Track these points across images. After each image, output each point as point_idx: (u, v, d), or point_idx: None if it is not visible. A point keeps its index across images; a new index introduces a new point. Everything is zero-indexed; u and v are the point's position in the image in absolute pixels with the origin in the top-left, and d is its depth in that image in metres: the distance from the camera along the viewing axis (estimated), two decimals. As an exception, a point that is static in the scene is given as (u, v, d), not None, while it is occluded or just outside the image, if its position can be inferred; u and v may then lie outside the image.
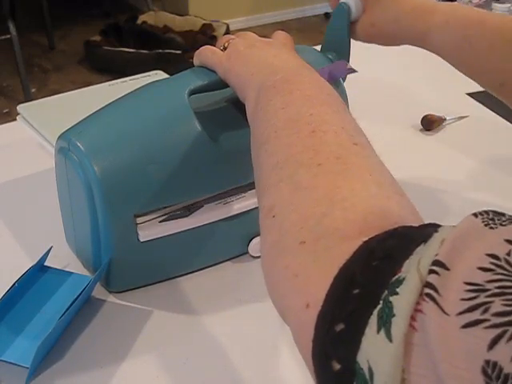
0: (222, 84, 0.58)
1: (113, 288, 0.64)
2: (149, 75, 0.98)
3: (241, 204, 0.65)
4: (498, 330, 0.24)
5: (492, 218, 0.30)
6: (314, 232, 0.35)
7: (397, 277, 0.29)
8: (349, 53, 0.72)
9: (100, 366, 0.56)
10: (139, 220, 0.60)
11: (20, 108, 0.94)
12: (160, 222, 0.61)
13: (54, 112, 0.90)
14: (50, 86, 3.00)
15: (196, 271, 0.67)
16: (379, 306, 0.28)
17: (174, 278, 0.66)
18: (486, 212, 0.30)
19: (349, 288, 0.30)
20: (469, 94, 1.04)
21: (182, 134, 0.60)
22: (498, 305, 0.25)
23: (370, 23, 0.70)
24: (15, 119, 0.93)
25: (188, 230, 0.62)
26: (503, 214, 0.30)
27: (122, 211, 0.59)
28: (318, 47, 0.75)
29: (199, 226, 0.63)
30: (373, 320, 0.28)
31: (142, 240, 0.61)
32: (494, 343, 0.24)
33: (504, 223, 0.29)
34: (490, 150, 0.92)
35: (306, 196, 0.37)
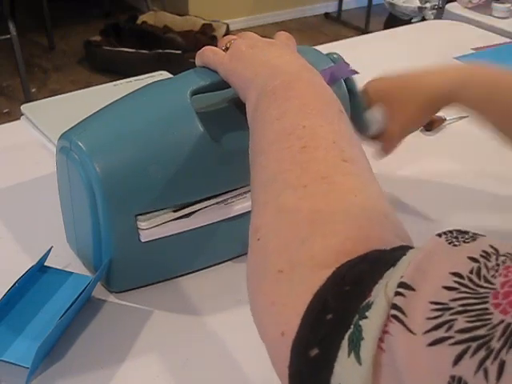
0: (224, 84, 0.58)
1: (113, 288, 0.64)
2: (153, 75, 0.98)
3: (241, 205, 0.65)
4: (463, 346, 0.25)
5: (456, 237, 0.30)
6: (293, 260, 0.35)
7: (366, 301, 0.29)
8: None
9: (100, 366, 0.56)
10: (140, 219, 0.60)
11: (24, 108, 0.94)
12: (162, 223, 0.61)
13: (58, 112, 0.90)
14: (50, 85, 3.01)
15: (196, 271, 0.67)
16: (350, 331, 0.29)
17: (174, 278, 0.66)
18: (450, 231, 0.31)
19: (322, 314, 0.31)
20: (469, 94, 1.03)
21: (184, 134, 0.60)
22: (461, 322, 0.26)
23: (401, 123, 0.72)
24: (15, 119, 0.93)
25: (189, 230, 0.62)
26: (467, 232, 0.31)
27: (123, 211, 0.59)
28: (319, 47, 0.75)
29: (200, 227, 0.63)
30: (344, 344, 0.29)
31: (143, 240, 0.60)
32: (458, 359, 0.25)
33: (467, 240, 0.30)
34: (490, 150, 0.92)
35: (288, 220, 0.38)
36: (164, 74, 1.01)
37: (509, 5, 1.75)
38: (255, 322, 0.38)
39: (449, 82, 0.68)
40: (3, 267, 0.67)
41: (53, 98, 1.00)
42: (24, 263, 0.62)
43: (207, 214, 0.63)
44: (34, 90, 2.90)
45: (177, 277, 0.66)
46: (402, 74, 0.73)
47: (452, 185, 0.84)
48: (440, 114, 0.96)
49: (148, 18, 3.32)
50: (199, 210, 0.63)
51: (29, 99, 2.78)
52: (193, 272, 0.66)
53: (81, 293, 0.58)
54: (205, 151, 0.61)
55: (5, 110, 2.76)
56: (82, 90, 1.01)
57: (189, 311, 0.62)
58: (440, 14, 2.49)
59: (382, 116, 0.72)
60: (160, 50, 2.96)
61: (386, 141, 0.73)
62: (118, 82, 0.99)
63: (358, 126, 0.71)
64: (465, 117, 0.98)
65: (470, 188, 0.83)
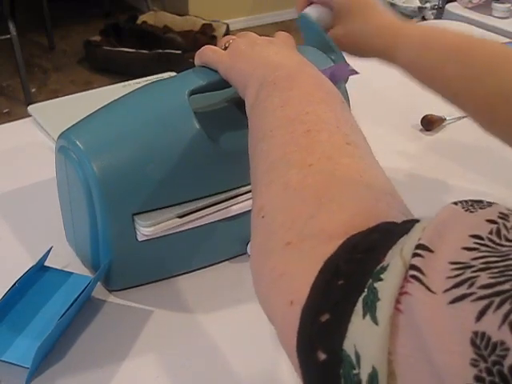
0: (223, 84, 0.58)
1: (112, 286, 0.64)
2: (163, 76, 0.99)
3: (240, 205, 0.65)
4: (485, 302, 0.25)
5: (472, 205, 0.30)
6: (300, 233, 0.35)
7: (381, 265, 0.29)
8: (337, 51, 0.72)
9: (100, 366, 0.56)
10: (144, 225, 0.60)
11: (30, 109, 0.95)
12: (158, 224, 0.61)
13: (65, 113, 0.91)
14: (50, 85, 3.01)
15: (195, 271, 0.67)
16: (364, 294, 0.28)
17: (173, 277, 0.66)
18: (465, 201, 0.31)
19: (333, 280, 0.30)
20: (469, 94, 1.04)
21: (182, 134, 0.60)
22: (484, 278, 0.25)
23: (342, 34, 0.71)
24: (15, 119, 0.93)
25: (187, 229, 0.62)
26: (481, 201, 0.30)
27: (121, 210, 0.59)
28: (318, 47, 0.75)
29: (199, 226, 0.63)
30: (358, 307, 0.28)
31: (140, 239, 0.60)
32: (481, 314, 0.25)
33: (483, 207, 0.30)
34: (490, 150, 0.92)
35: (294, 196, 0.38)
36: (172, 76, 1.01)
37: (509, 5, 1.75)
38: (260, 298, 0.37)
39: (384, 40, 0.68)
40: (3, 267, 0.67)
41: (59, 98, 1.01)
42: (24, 263, 0.62)
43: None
44: (34, 90, 2.90)
45: (176, 276, 0.66)
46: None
47: (452, 185, 0.84)
48: (440, 114, 0.96)
49: (148, 18, 3.32)
50: (204, 216, 0.63)
51: (29, 99, 2.78)
52: (192, 271, 0.66)
53: (80, 293, 0.58)
54: (202, 151, 0.61)
55: (5, 110, 2.76)
56: (90, 91, 1.01)
57: (188, 311, 0.62)
58: (440, 14, 2.49)
59: (325, 16, 0.71)
60: (160, 50, 2.96)
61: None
62: (126, 82, 0.99)
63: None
64: (465, 117, 0.98)
65: (470, 188, 0.83)
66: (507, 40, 1.36)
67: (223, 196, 0.64)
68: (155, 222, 0.59)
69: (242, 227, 0.65)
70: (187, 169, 0.60)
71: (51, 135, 0.88)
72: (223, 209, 0.64)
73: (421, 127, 0.96)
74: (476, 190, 0.82)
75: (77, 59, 3.25)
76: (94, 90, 1.02)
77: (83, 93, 1.01)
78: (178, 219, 0.61)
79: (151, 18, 3.33)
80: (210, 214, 0.63)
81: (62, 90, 2.95)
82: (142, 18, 3.30)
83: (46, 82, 3.04)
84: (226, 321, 0.61)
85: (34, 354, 0.52)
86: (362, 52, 0.71)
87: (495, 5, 1.75)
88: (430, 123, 0.96)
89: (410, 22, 0.70)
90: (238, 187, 0.64)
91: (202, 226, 0.63)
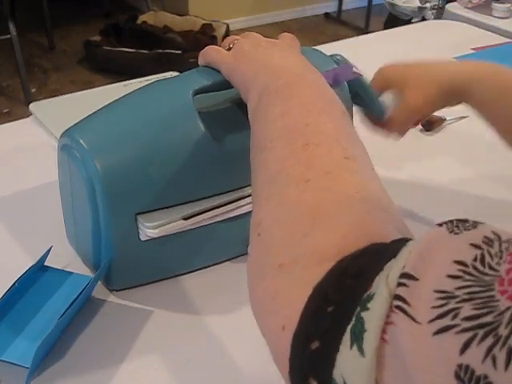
0: (227, 84, 0.58)
1: (112, 286, 0.64)
2: (164, 76, 0.99)
3: (242, 206, 0.64)
4: (469, 334, 0.25)
5: (456, 225, 0.30)
6: (293, 254, 0.35)
7: (368, 293, 0.29)
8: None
9: (100, 365, 0.56)
10: (149, 227, 0.59)
11: (32, 106, 0.94)
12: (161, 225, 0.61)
13: (66, 111, 0.91)
14: (50, 85, 3.01)
15: (196, 271, 0.67)
16: (352, 323, 0.29)
17: (174, 277, 0.66)
18: (451, 221, 0.31)
19: (323, 306, 0.31)
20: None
21: (186, 133, 0.60)
22: (467, 309, 0.26)
23: (414, 105, 0.71)
24: (15, 119, 0.93)
25: (189, 229, 0.62)
26: (467, 221, 0.31)
27: (124, 209, 0.59)
28: (319, 47, 0.75)
29: (200, 226, 0.63)
30: (346, 337, 0.29)
31: (142, 239, 0.60)
32: (465, 347, 0.25)
33: (468, 228, 0.30)
34: (490, 150, 0.92)
35: (290, 213, 0.38)
36: (174, 75, 1.01)
37: (509, 5, 1.75)
38: (256, 317, 0.37)
39: (465, 72, 0.68)
40: (3, 267, 0.67)
41: (61, 96, 1.00)
42: (24, 263, 0.62)
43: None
44: (34, 90, 2.90)
45: (177, 276, 0.66)
46: (416, 62, 0.72)
47: (451, 185, 0.84)
48: (440, 114, 0.96)
49: (148, 18, 3.32)
50: (209, 218, 0.62)
51: (29, 99, 2.78)
52: (193, 271, 0.66)
53: (80, 292, 0.58)
54: (206, 151, 0.61)
55: (5, 110, 2.76)
56: (91, 90, 1.00)
57: (189, 311, 0.62)
58: (440, 13, 2.49)
59: (394, 100, 0.71)
60: (160, 50, 2.96)
61: (399, 124, 0.72)
62: (128, 82, 0.99)
63: (372, 113, 0.72)
64: (465, 117, 0.98)
65: (470, 188, 0.83)
66: (507, 40, 1.36)
67: (228, 198, 0.63)
68: (161, 223, 0.59)
69: (243, 227, 0.65)
70: (191, 169, 0.60)
71: (53, 133, 0.88)
72: (229, 211, 0.64)
73: (421, 127, 0.96)
74: (476, 190, 0.82)
75: (77, 59, 3.26)
76: (95, 89, 1.02)
77: (85, 91, 1.01)
78: (183, 221, 0.61)
79: (151, 17, 3.33)
80: (216, 215, 0.63)
81: (61, 89, 2.95)
82: (141, 18, 3.30)
83: (46, 82, 3.04)
84: (226, 321, 0.61)
85: (34, 354, 0.52)
86: (440, 105, 0.72)
87: (495, 5, 1.75)
88: (429, 123, 0.96)
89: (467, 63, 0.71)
90: (242, 187, 0.64)
91: (203, 226, 0.63)
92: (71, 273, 0.63)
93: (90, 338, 0.59)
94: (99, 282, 0.64)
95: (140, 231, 0.60)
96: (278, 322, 0.33)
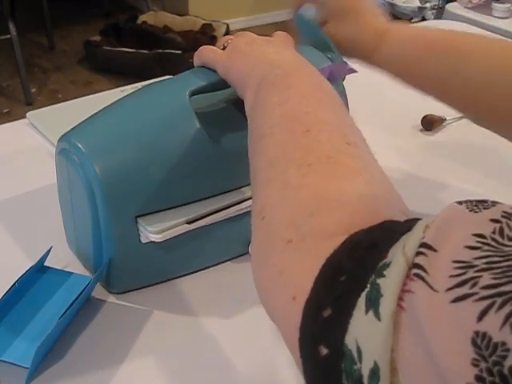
0: (223, 84, 0.58)
1: (113, 289, 0.64)
2: (160, 80, 0.99)
3: (241, 205, 0.65)
4: (487, 302, 0.25)
5: (476, 205, 0.30)
6: (301, 231, 0.35)
7: (383, 262, 0.29)
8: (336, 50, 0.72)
9: (100, 366, 0.56)
10: (153, 232, 0.59)
11: (29, 115, 0.94)
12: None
13: (64, 119, 0.91)
14: (50, 85, 3.01)
15: (196, 272, 0.67)
16: (367, 290, 0.29)
17: (174, 278, 0.66)
18: (470, 201, 0.31)
19: (336, 275, 0.30)
20: (469, 94, 1.04)
21: (183, 134, 0.60)
22: (486, 278, 0.26)
23: (333, 33, 0.70)
24: (15, 119, 0.93)
25: (189, 230, 0.62)
26: (485, 201, 0.31)
27: (124, 212, 0.59)
28: (318, 47, 0.75)
29: (200, 227, 0.63)
30: (361, 302, 0.28)
31: (143, 241, 0.60)
32: (483, 314, 0.25)
33: (487, 207, 0.30)
34: (490, 150, 0.92)
35: (294, 195, 0.38)
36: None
37: (509, 5, 1.75)
38: (261, 295, 0.37)
39: (369, 42, 0.68)
40: (3, 267, 0.66)
41: (58, 104, 1.01)
42: (23, 263, 0.62)
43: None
44: (34, 90, 2.90)
45: (177, 277, 0.66)
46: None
47: (452, 185, 0.84)
48: (440, 114, 0.96)
49: (148, 18, 3.32)
50: (213, 223, 0.62)
51: (29, 99, 2.78)
52: (193, 273, 0.66)
53: (80, 293, 0.58)
54: (204, 151, 0.61)
55: (5, 110, 2.76)
56: (88, 97, 1.00)
57: (188, 312, 0.62)
58: (440, 13, 2.49)
59: (315, 16, 0.71)
60: (160, 50, 2.96)
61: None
62: (124, 87, 0.99)
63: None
64: (465, 117, 0.98)
65: (470, 188, 0.83)
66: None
67: (230, 200, 0.63)
68: (164, 227, 0.59)
69: (243, 227, 0.65)
70: (189, 169, 0.60)
71: (51, 141, 0.88)
72: (232, 215, 0.63)
73: (421, 127, 0.96)
74: (476, 189, 0.82)
75: (77, 59, 3.25)
76: (92, 96, 1.02)
77: (81, 98, 1.00)
78: (186, 225, 0.60)
79: (151, 17, 3.33)
80: (220, 220, 0.63)
81: (61, 90, 2.95)
82: (142, 18, 3.30)
83: (46, 82, 3.04)
84: (226, 321, 0.61)
85: (34, 354, 0.52)
86: (349, 53, 0.71)
87: (495, 5, 1.75)
88: (430, 123, 0.96)
89: (400, 23, 0.70)
90: (241, 187, 0.64)
91: (203, 227, 0.63)
92: (71, 273, 0.63)
93: (90, 339, 0.59)
94: (99, 284, 0.63)
95: (141, 234, 0.60)
96: (287, 294, 0.33)
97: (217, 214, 0.62)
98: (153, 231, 0.59)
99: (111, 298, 0.63)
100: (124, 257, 0.61)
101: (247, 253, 0.67)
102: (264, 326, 0.60)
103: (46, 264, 0.64)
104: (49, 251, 0.63)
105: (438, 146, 0.94)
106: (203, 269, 0.67)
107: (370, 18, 0.69)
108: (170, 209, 0.61)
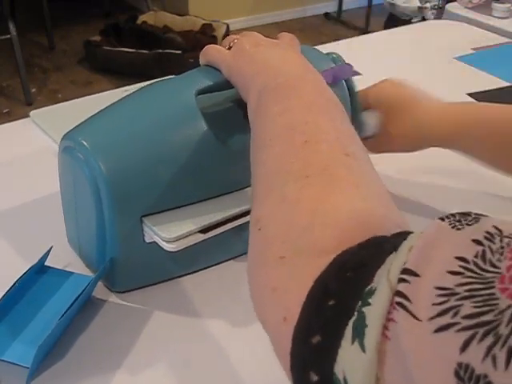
0: (230, 84, 0.58)
1: (116, 288, 0.63)
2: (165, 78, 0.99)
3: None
4: (470, 332, 0.25)
5: (459, 220, 0.30)
6: (294, 247, 0.35)
7: (369, 287, 0.29)
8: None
9: (101, 366, 0.56)
10: (167, 240, 0.59)
11: (33, 114, 0.94)
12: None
13: (67, 118, 0.91)
14: (50, 85, 3.01)
15: (197, 271, 0.67)
16: (354, 318, 0.29)
17: (176, 277, 0.66)
18: (453, 215, 0.31)
19: (324, 300, 0.31)
20: (469, 94, 1.04)
21: (189, 133, 0.60)
22: (467, 307, 0.26)
23: (395, 134, 0.72)
24: (15, 119, 0.93)
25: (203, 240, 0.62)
26: (469, 214, 0.31)
27: (129, 210, 0.58)
28: (319, 47, 0.75)
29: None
30: (348, 332, 0.29)
31: (147, 241, 0.60)
32: (465, 345, 0.25)
33: (470, 223, 0.30)
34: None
35: (290, 209, 0.38)
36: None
37: (509, 5, 1.75)
38: (255, 309, 0.37)
39: (445, 129, 0.71)
40: (3, 267, 0.67)
41: (61, 104, 1.01)
42: (24, 263, 0.62)
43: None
44: (34, 90, 2.90)
45: (178, 277, 0.66)
46: (410, 89, 0.74)
47: (451, 184, 0.83)
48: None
49: (148, 18, 3.32)
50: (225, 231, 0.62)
51: (29, 99, 2.78)
52: (194, 272, 0.66)
53: (81, 293, 0.58)
54: (210, 151, 0.61)
55: (5, 110, 2.76)
56: (92, 96, 1.01)
57: (190, 311, 0.62)
58: (440, 14, 2.49)
59: (377, 120, 0.72)
60: (160, 50, 2.96)
61: (376, 145, 0.73)
62: (128, 87, 0.99)
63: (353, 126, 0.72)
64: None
65: (470, 187, 0.83)
66: (507, 40, 1.36)
67: (243, 207, 0.62)
68: (178, 236, 0.58)
69: (245, 227, 0.65)
70: (195, 169, 0.60)
71: (55, 140, 0.88)
72: (245, 223, 0.63)
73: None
74: (476, 190, 0.82)
75: (77, 59, 3.26)
76: (95, 95, 1.02)
77: (85, 97, 1.01)
78: (201, 234, 0.60)
79: (151, 17, 3.33)
80: (233, 227, 0.62)
81: (61, 90, 2.96)
82: (141, 18, 3.31)
83: (46, 82, 3.04)
84: (227, 321, 0.61)
85: (35, 354, 0.52)
86: (417, 146, 0.74)
87: (495, 5, 1.75)
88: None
89: (455, 104, 0.72)
90: (246, 186, 0.64)
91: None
92: (72, 273, 0.63)
93: (91, 339, 0.59)
94: (100, 283, 0.63)
95: (146, 234, 0.60)
96: (279, 314, 0.33)
97: (231, 222, 0.62)
98: (166, 239, 0.58)
99: (112, 298, 0.63)
100: (127, 256, 0.61)
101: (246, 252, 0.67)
102: (264, 325, 0.60)
103: (46, 264, 0.64)
104: (49, 251, 0.63)
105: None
106: (205, 268, 0.67)
107: (426, 105, 0.72)
108: (175, 209, 0.60)
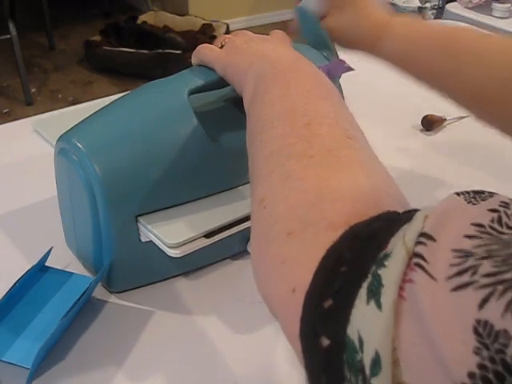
0: (222, 83, 0.59)
1: (114, 288, 0.64)
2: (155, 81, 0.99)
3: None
4: (488, 290, 0.25)
5: (473, 197, 0.30)
6: (302, 222, 0.35)
7: (384, 252, 0.29)
8: (333, 47, 0.72)
9: (101, 366, 0.56)
10: (172, 246, 0.58)
11: (34, 122, 0.94)
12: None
13: (70, 124, 0.91)
14: (50, 85, 3.01)
15: (196, 270, 0.67)
16: (368, 280, 0.28)
17: (173, 277, 0.66)
18: (467, 192, 0.31)
19: (336, 266, 0.30)
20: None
21: (183, 133, 0.60)
22: (486, 266, 0.25)
23: (333, 26, 0.71)
24: (15, 119, 0.93)
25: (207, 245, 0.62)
26: (483, 192, 0.31)
27: (124, 211, 0.59)
28: (318, 47, 0.75)
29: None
30: (362, 293, 0.28)
31: (143, 240, 0.60)
32: (484, 302, 0.25)
33: (485, 198, 0.30)
34: (490, 150, 0.92)
35: (295, 186, 0.38)
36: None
37: (509, 5, 1.75)
38: (260, 288, 0.37)
39: (371, 33, 0.68)
40: (4, 267, 0.67)
41: (63, 109, 1.00)
42: (24, 264, 0.62)
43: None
44: (34, 90, 2.90)
45: (177, 276, 0.66)
46: None
47: (452, 185, 0.84)
48: (440, 114, 0.96)
49: (148, 17, 3.32)
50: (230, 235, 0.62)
51: (29, 99, 2.78)
52: (193, 272, 0.66)
53: (82, 294, 0.58)
54: (204, 150, 0.61)
55: (5, 110, 2.76)
56: (92, 101, 1.00)
57: (189, 311, 0.62)
58: (440, 14, 2.49)
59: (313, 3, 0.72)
60: (160, 50, 2.96)
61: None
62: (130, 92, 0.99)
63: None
64: (465, 117, 0.98)
65: (470, 187, 0.83)
66: (507, 40, 1.36)
67: (245, 211, 0.62)
68: (182, 242, 0.58)
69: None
70: (189, 168, 0.60)
71: (51, 143, 0.88)
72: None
73: (421, 127, 0.97)
74: (476, 189, 0.82)
75: (77, 59, 3.26)
76: (97, 100, 1.02)
77: (88, 103, 1.00)
78: (205, 239, 0.60)
79: (151, 17, 3.33)
80: (238, 231, 0.62)
81: (61, 90, 2.96)
82: (142, 18, 3.31)
83: (46, 82, 3.04)
84: (226, 320, 0.61)
85: (35, 355, 0.52)
86: (350, 44, 0.72)
87: (495, 5, 1.75)
88: (430, 123, 0.96)
89: (400, 16, 0.70)
90: (240, 185, 0.64)
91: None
92: (72, 273, 0.63)
93: (91, 339, 0.59)
94: (99, 283, 0.64)
95: (141, 233, 0.60)
96: (287, 286, 0.33)
97: (234, 227, 0.62)
98: (170, 245, 0.58)
99: (112, 298, 0.63)
100: (124, 256, 0.61)
101: (246, 250, 0.68)
102: (265, 325, 0.60)
103: (46, 264, 0.64)
104: (50, 251, 0.63)
105: (438, 145, 0.94)
106: (203, 267, 0.67)
107: (369, 9, 0.70)
108: (171, 208, 0.61)
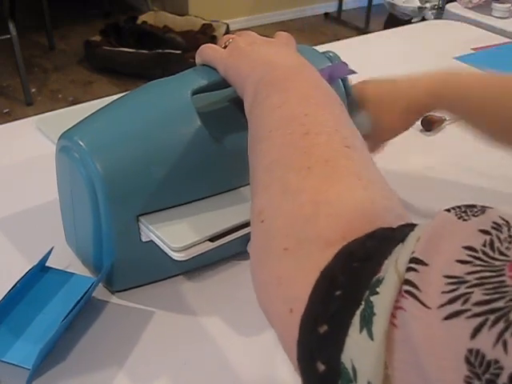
0: (225, 83, 0.58)
1: (114, 287, 0.64)
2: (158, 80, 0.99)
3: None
4: (480, 319, 0.25)
5: (464, 211, 0.30)
6: (298, 238, 0.35)
7: (377, 277, 0.29)
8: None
9: (102, 367, 0.56)
10: (176, 250, 0.58)
11: (36, 121, 0.94)
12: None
13: (71, 122, 0.91)
14: (50, 85, 3.01)
15: (196, 270, 0.67)
16: (361, 307, 0.29)
17: (174, 277, 0.66)
18: (458, 206, 0.31)
19: (331, 290, 0.30)
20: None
21: (185, 133, 0.60)
22: (478, 295, 0.25)
23: (385, 129, 0.74)
24: (15, 119, 0.93)
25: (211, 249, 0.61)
26: (474, 206, 0.31)
27: (125, 209, 0.59)
28: (318, 47, 0.76)
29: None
30: (355, 320, 0.29)
31: (144, 240, 0.60)
32: (476, 332, 0.25)
33: (476, 214, 0.30)
34: (490, 150, 0.92)
35: (292, 200, 0.38)
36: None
37: (509, 5, 1.75)
38: (259, 301, 0.37)
39: (423, 93, 0.71)
40: (4, 268, 0.67)
41: (65, 109, 1.00)
42: (25, 264, 0.62)
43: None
44: (34, 90, 2.90)
45: (177, 276, 0.66)
46: (387, 79, 0.75)
47: (452, 185, 0.84)
48: (440, 114, 0.96)
49: (148, 18, 3.32)
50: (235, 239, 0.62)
51: (29, 99, 2.78)
52: (193, 272, 0.67)
53: (83, 294, 0.58)
54: (206, 150, 0.61)
55: (5, 110, 2.76)
56: (95, 101, 1.01)
57: (190, 311, 0.63)
58: (440, 14, 2.49)
59: (369, 118, 0.72)
60: (160, 50, 2.96)
61: (373, 142, 0.73)
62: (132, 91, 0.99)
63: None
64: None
65: (470, 187, 0.83)
66: (507, 40, 1.36)
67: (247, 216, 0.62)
68: (186, 245, 0.58)
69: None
70: (191, 168, 0.60)
71: (54, 141, 0.88)
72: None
73: (421, 127, 0.96)
74: (476, 190, 0.83)
75: (77, 59, 3.26)
76: (99, 100, 1.02)
77: (91, 102, 1.01)
78: (210, 243, 0.60)
79: (151, 17, 3.33)
80: (242, 235, 0.62)
81: (62, 90, 2.96)
82: (141, 18, 3.31)
83: (46, 82, 3.04)
84: (227, 320, 0.61)
85: (36, 356, 0.52)
86: (409, 125, 0.76)
87: (495, 5, 1.75)
88: (430, 123, 0.96)
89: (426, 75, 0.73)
90: (242, 186, 0.64)
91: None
92: (73, 273, 0.63)
93: (92, 339, 0.59)
94: (100, 284, 0.64)
95: (142, 232, 0.60)
96: (285, 306, 0.33)
97: (240, 231, 0.61)
98: (175, 249, 0.58)
99: (113, 299, 0.63)
100: (124, 255, 0.61)
101: (246, 250, 0.68)
102: (264, 324, 0.60)
103: (47, 264, 0.64)
104: (50, 251, 0.63)
105: (438, 145, 0.94)
106: (203, 266, 0.67)
107: (386, 108, 0.73)
108: (172, 208, 0.61)
